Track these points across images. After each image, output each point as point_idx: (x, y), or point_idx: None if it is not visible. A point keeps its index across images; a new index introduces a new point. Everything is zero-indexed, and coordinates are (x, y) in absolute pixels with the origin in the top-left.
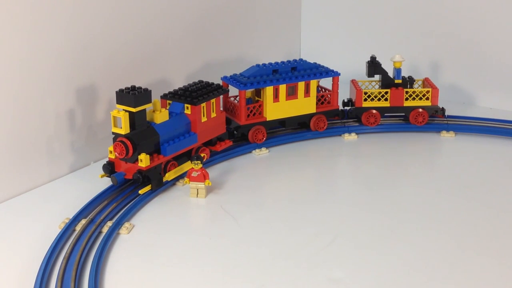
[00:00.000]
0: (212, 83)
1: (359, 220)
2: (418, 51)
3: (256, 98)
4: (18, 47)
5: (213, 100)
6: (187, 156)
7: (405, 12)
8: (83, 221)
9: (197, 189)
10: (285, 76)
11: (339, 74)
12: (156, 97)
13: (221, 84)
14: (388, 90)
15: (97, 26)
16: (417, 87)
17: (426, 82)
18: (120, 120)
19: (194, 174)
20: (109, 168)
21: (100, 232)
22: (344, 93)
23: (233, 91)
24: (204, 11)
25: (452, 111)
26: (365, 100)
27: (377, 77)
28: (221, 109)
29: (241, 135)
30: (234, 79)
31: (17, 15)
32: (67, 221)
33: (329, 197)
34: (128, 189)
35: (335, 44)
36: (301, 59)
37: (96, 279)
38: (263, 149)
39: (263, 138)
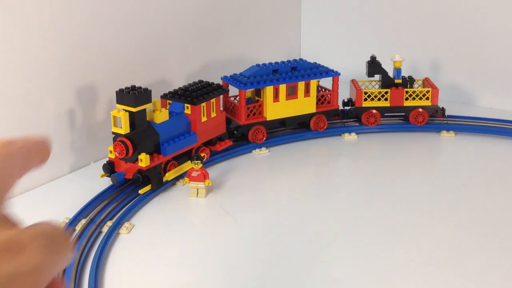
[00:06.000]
0: (212, 83)
1: (359, 220)
2: (418, 51)
3: (256, 98)
4: (18, 47)
5: (213, 100)
6: (187, 156)
7: (405, 12)
8: (83, 221)
9: (197, 189)
10: (285, 76)
11: (339, 74)
12: (156, 97)
13: (221, 84)
14: (388, 90)
15: (98, 26)
16: (417, 87)
17: (426, 82)
18: (120, 120)
19: (194, 174)
20: (109, 168)
21: (100, 232)
22: (344, 93)
23: (233, 91)
24: (204, 11)
25: (452, 111)
26: (365, 100)
27: (377, 77)
28: (221, 109)
29: (241, 135)
30: (234, 79)
31: (17, 16)
32: (67, 220)
33: (329, 197)
34: (128, 189)
35: (335, 44)
36: (301, 59)
37: (96, 279)
38: (263, 149)
39: (263, 138)
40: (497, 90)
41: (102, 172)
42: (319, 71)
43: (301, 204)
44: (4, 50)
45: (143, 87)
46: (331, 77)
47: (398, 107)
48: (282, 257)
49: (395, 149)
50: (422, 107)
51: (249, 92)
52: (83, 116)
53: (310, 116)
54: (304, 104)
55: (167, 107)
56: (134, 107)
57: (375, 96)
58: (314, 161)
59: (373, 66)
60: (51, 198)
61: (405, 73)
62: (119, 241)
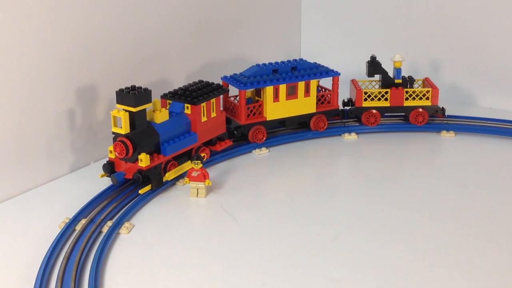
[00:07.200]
0: (212, 83)
1: (359, 220)
2: (418, 51)
3: (256, 98)
4: (18, 47)
5: (213, 100)
6: (187, 155)
7: (405, 12)
8: (83, 221)
9: (197, 189)
10: (285, 76)
11: (339, 74)
12: (156, 97)
13: (221, 84)
14: (388, 90)
15: (98, 26)
16: (417, 87)
17: (426, 82)
18: (120, 120)
19: (194, 173)
20: (109, 168)
21: (100, 232)
22: (344, 93)
23: (233, 91)
24: (204, 11)
25: (452, 111)
26: (365, 100)
27: (377, 77)
28: (221, 109)
29: (241, 135)
30: (234, 79)
31: (17, 16)
32: (67, 221)
33: (329, 197)
34: (128, 189)
35: (335, 44)
36: (301, 59)
37: (96, 279)
38: (263, 149)
39: (263, 138)
40: (497, 90)
41: (102, 172)
42: (319, 71)
43: (301, 204)
44: (3, 50)
45: (143, 87)
46: (331, 77)
47: (398, 107)
48: (282, 257)
49: (395, 149)
50: (422, 107)
51: (249, 92)
52: (83, 116)
53: (310, 116)
54: (304, 104)
55: (167, 107)
56: (134, 107)
57: (375, 96)
58: (314, 161)
59: (373, 66)
60: (51, 198)
61: (405, 73)
62: (119, 241)
